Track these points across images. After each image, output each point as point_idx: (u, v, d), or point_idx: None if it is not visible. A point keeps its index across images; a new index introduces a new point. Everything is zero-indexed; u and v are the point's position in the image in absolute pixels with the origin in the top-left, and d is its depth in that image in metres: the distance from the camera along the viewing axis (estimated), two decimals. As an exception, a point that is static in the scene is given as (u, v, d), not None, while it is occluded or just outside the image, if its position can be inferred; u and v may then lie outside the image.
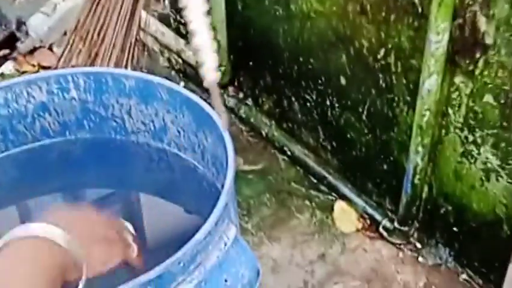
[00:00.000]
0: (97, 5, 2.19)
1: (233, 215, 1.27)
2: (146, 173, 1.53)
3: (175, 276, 1.13)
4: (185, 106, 1.41)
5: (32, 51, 2.77)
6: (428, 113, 1.73)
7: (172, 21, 2.57)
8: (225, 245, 1.21)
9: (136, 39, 2.17)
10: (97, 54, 2.17)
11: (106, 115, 1.48)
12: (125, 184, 1.52)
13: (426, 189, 1.94)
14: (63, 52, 2.36)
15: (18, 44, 2.77)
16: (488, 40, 1.56)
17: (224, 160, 1.29)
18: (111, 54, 2.13)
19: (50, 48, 2.77)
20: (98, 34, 2.18)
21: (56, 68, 2.40)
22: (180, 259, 1.12)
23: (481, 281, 1.95)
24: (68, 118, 1.48)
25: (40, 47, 2.78)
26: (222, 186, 1.23)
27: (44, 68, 2.70)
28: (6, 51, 2.76)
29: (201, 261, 1.17)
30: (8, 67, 2.72)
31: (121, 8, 2.16)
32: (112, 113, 1.48)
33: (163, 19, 2.63)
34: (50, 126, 1.48)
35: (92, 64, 2.18)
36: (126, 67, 2.15)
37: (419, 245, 2.05)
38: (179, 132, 1.46)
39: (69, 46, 2.34)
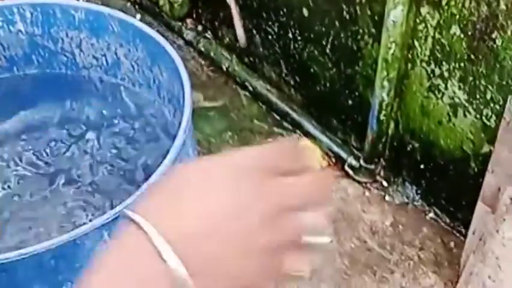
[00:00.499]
0: None
1: (191, 153, 1.29)
2: (99, 109, 1.54)
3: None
4: (139, 39, 1.41)
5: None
6: (393, 45, 1.75)
7: (126, -51, 2.55)
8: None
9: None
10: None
11: (55, 49, 1.48)
12: (77, 121, 1.52)
13: (392, 125, 1.96)
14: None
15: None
16: (456, -31, 1.58)
17: (181, 97, 1.30)
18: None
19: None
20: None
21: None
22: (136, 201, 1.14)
23: (448, 220, 1.99)
24: (15, 53, 1.48)
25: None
26: (180, 124, 1.24)
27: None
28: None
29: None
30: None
31: None
32: (61, 47, 1.48)
33: None
34: (-4, 62, 1.48)
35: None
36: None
37: (385, 184, 2.08)
38: (133, 66, 1.46)
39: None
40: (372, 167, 2.07)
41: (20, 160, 1.46)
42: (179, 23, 2.43)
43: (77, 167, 1.46)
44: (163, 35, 2.43)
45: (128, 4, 2.56)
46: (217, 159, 0.64)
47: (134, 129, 1.52)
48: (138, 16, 2.51)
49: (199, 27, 2.42)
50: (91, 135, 1.50)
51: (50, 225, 1.37)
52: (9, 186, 1.43)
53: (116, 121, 1.51)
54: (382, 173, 2.08)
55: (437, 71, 1.76)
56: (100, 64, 1.48)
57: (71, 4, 1.44)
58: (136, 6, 2.55)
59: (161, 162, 1.19)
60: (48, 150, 1.47)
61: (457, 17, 1.64)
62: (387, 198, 2.06)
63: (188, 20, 2.43)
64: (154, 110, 1.48)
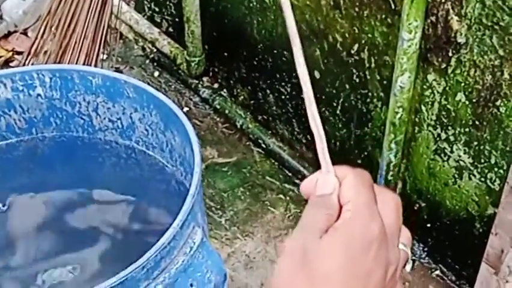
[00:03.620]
0: (69, -7, 2.19)
1: (200, 218, 1.28)
2: (114, 171, 1.54)
3: (138, 281, 1.14)
4: (152, 105, 1.42)
5: (6, 36, 2.76)
6: (401, 110, 1.74)
7: (146, 9, 2.56)
8: (191, 249, 1.22)
9: (107, 28, 2.17)
10: (68, 44, 2.17)
11: (72, 112, 1.49)
12: (93, 182, 1.52)
13: (400, 185, 1.95)
14: (35, 39, 2.35)
15: (-8, 29, 2.75)
16: (461, 39, 1.58)
17: (192, 161, 1.30)
18: (82, 44, 2.13)
19: (25, 33, 2.76)
20: (70, 22, 2.17)
21: (28, 53, 2.39)
22: (143, 264, 1.14)
23: (454, 277, 1.97)
24: (34, 115, 1.49)
25: (15, 31, 2.76)
26: (189, 188, 1.24)
27: (19, 53, 2.68)
28: (-20, 35, 2.75)
29: (165, 266, 1.18)
30: (-18, 52, 2.71)
31: (93, -4, 2.15)
32: (78, 110, 1.49)
33: (138, 6, 2.63)
34: (16, 124, 1.49)
35: (63, 53, 2.17)
36: (97, 57, 2.14)
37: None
38: (147, 130, 1.46)
39: (41, 33, 2.33)
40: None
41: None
42: (196, 81, 2.44)
43: (90, 225, 1.46)
44: (180, 93, 2.47)
45: (147, 61, 2.58)
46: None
47: (146, 189, 1.52)
48: (156, 73, 2.53)
49: (215, 85, 2.43)
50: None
51: None
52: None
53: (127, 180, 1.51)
54: (390, 231, 2.06)
55: (443, 135, 1.75)
56: (115, 127, 1.49)
57: (88, 70, 1.45)
58: (155, 64, 2.56)
59: (170, 225, 1.18)
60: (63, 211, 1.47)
61: (463, 84, 1.63)
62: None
63: (205, 78, 2.44)
64: (166, 172, 1.48)
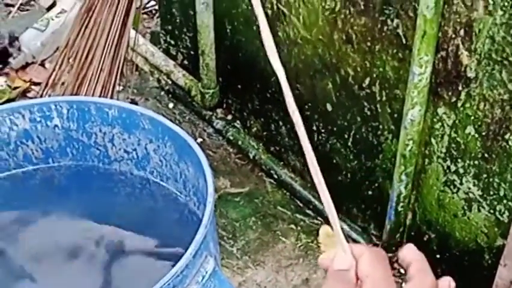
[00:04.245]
0: (86, 26, 2.21)
1: (212, 247, 1.29)
2: (128, 201, 1.55)
3: (151, 310, 1.14)
4: (167, 136, 1.42)
5: (24, 67, 2.79)
6: (411, 142, 1.75)
7: (162, 41, 2.59)
8: (203, 278, 1.22)
9: (124, 60, 2.18)
10: (85, 76, 2.18)
11: (89, 143, 1.49)
12: (107, 212, 1.53)
13: (410, 216, 1.95)
14: (52, 70, 2.37)
15: (11, 60, 2.78)
16: (471, 73, 1.58)
17: (205, 191, 1.30)
18: (99, 76, 2.14)
19: (43, 64, 2.79)
20: (87, 55, 2.19)
21: (46, 84, 2.41)
22: (156, 294, 1.14)
23: (463, 309, 1.96)
24: (51, 145, 1.50)
25: (32, 62, 2.79)
26: (201, 219, 1.25)
27: (36, 84, 2.71)
28: (-2, 66, 2.77)
29: (178, 295, 1.18)
30: (0, 82, 2.73)
31: (109, 29, 2.17)
32: (95, 141, 1.49)
33: (153, 39, 2.65)
34: (33, 153, 1.50)
35: (80, 85, 2.19)
36: (114, 89, 2.16)
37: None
38: (161, 161, 1.47)
39: (59, 64, 2.35)
40: (390, 255, 2.05)
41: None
42: (210, 112, 2.45)
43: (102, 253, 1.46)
44: (194, 124, 2.48)
45: (162, 93, 2.60)
46: None
47: (160, 219, 1.52)
48: (171, 105, 2.54)
49: (229, 117, 2.44)
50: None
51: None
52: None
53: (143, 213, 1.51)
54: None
55: (453, 167, 1.75)
56: (130, 158, 1.49)
57: (105, 102, 1.46)
58: (170, 95, 2.58)
59: (181, 257, 1.19)
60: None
61: (472, 118, 1.64)
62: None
63: (219, 110, 2.46)
64: (180, 202, 1.48)
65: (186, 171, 1.43)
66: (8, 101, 2.57)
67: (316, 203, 2.20)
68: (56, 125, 1.46)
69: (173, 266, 1.19)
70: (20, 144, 1.48)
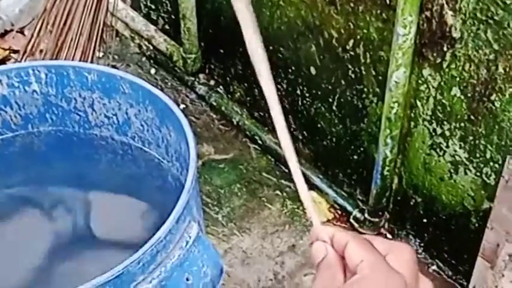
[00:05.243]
0: (65, -9, 2.18)
1: (195, 213, 1.28)
2: (110, 167, 1.54)
3: (134, 276, 1.14)
4: (148, 100, 1.41)
5: (3, 35, 2.75)
6: (396, 105, 1.74)
7: (142, 6, 2.56)
8: (187, 243, 1.22)
9: (103, 25, 2.16)
10: (64, 41, 2.16)
11: (68, 108, 1.49)
12: (89, 178, 1.52)
13: (396, 180, 1.95)
14: (31, 37, 2.35)
15: (-12, 28, 2.75)
16: (455, 33, 1.58)
17: (187, 156, 1.30)
18: (78, 41, 2.13)
19: (22, 32, 2.76)
20: (66, 20, 2.17)
21: (24, 52, 2.39)
22: (139, 259, 1.14)
23: (450, 272, 1.97)
24: (30, 111, 1.49)
25: (11, 30, 2.76)
26: (183, 184, 1.24)
27: (15, 51, 2.68)
28: (-24, 35, 2.74)
29: (161, 261, 1.18)
30: (-22, 51, 2.71)
31: (88, -6, 2.15)
32: (74, 106, 1.48)
33: (134, 4, 2.63)
34: (11, 120, 1.49)
35: (59, 51, 2.17)
36: (93, 54, 2.14)
37: (389, 236, 2.07)
38: (142, 126, 1.46)
39: (37, 31, 2.33)
40: (377, 220, 2.06)
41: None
42: (192, 78, 2.44)
43: (85, 220, 1.46)
44: (176, 90, 2.47)
45: (144, 59, 2.58)
46: None
47: (142, 184, 1.52)
48: (153, 70, 2.53)
49: (212, 82, 2.43)
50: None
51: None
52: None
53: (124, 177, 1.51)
54: (386, 226, 2.07)
55: (439, 130, 1.75)
56: (111, 123, 1.48)
57: (84, 66, 1.45)
58: (151, 61, 2.56)
59: (164, 222, 1.18)
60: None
61: (457, 79, 1.63)
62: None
63: (201, 75, 2.44)
64: (162, 168, 1.48)
65: (168, 136, 1.42)
66: (-13, 69, 2.54)
67: (302, 169, 2.18)
68: (34, 90, 1.45)
69: (156, 232, 1.19)
70: (-2, 111, 1.47)
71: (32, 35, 2.30)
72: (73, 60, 2.11)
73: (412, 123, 1.80)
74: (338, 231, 0.76)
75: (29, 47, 2.32)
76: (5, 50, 2.73)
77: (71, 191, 1.51)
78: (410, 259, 0.74)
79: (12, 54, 2.70)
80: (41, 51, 2.33)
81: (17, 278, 1.37)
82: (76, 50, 2.12)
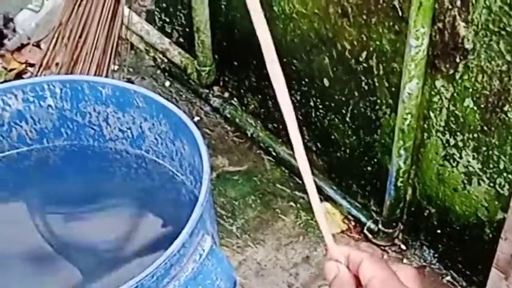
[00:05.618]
0: (79, 4, 2.20)
1: (209, 226, 1.28)
2: (124, 181, 1.54)
3: (148, 289, 1.14)
4: (162, 114, 1.42)
5: (19, 49, 2.77)
6: (409, 116, 1.74)
7: (156, 19, 2.58)
8: (200, 256, 1.22)
9: (118, 39, 2.17)
10: (79, 55, 2.18)
11: (83, 122, 1.49)
12: (103, 191, 1.53)
13: (409, 191, 1.95)
14: (46, 51, 2.36)
15: (6, 41, 2.77)
16: (468, 45, 1.58)
17: (201, 169, 1.30)
18: (93, 54, 2.14)
19: (38, 45, 2.77)
20: (81, 34, 2.18)
21: (40, 65, 2.40)
22: (153, 272, 1.14)
23: (464, 283, 1.97)
24: (45, 126, 1.49)
25: (28, 44, 2.78)
26: (197, 198, 1.24)
27: (32, 65, 2.70)
28: (-7, 48, 2.76)
29: (175, 274, 1.18)
30: (-5, 64, 2.73)
31: (102, 7, 2.16)
32: (89, 121, 1.49)
33: (148, 17, 2.64)
34: (27, 134, 1.49)
35: (74, 65, 2.18)
36: (108, 67, 2.15)
37: (403, 247, 2.06)
38: (157, 139, 1.47)
39: (52, 44, 2.34)
40: (391, 230, 2.06)
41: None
42: (207, 90, 2.44)
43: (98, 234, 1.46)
44: (190, 102, 2.48)
45: (158, 71, 2.59)
46: None
47: (156, 198, 1.52)
48: (167, 83, 2.54)
49: (226, 94, 2.44)
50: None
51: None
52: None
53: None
54: (400, 237, 2.07)
55: (452, 141, 1.75)
56: (125, 137, 1.49)
57: (98, 81, 1.45)
58: (166, 74, 2.57)
59: (177, 235, 1.18)
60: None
61: (470, 90, 1.63)
62: (405, 261, 2.04)
63: (215, 88, 2.45)
64: (176, 181, 1.48)
65: (182, 150, 1.43)
66: (4, 83, 2.56)
67: (315, 180, 2.18)
68: (49, 105, 1.46)
69: (170, 246, 1.19)
70: (14, 125, 1.47)
71: (48, 49, 2.31)
72: (88, 73, 2.12)
73: (425, 134, 1.80)
74: (353, 250, 0.80)
75: (45, 60, 2.33)
76: (21, 63, 2.75)
77: (85, 205, 1.51)
78: (416, 276, 0.77)
79: (28, 68, 2.72)
80: (56, 64, 2.34)
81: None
82: (91, 63, 2.13)
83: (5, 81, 2.59)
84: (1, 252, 1.42)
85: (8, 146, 1.49)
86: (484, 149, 1.68)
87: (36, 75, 2.31)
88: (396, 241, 2.07)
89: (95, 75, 2.12)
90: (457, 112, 1.69)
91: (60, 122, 1.49)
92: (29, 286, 1.39)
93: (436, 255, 2.00)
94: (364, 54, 1.83)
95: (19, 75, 2.66)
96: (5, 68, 2.71)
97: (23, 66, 2.73)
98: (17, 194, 1.52)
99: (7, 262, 1.39)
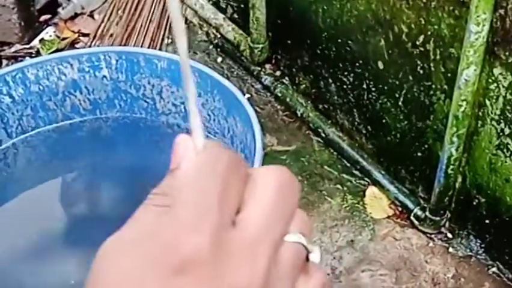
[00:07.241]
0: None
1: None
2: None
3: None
4: (216, 90, 1.41)
5: (73, 18, 2.78)
6: (464, 103, 1.71)
7: (211, -6, 2.56)
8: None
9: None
10: (134, 27, 2.17)
11: (137, 95, 1.49)
12: (152, 165, 1.52)
13: (459, 179, 1.92)
14: (101, 21, 2.37)
15: (60, 10, 2.77)
16: (530, 33, 1.54)
17: (252, 147, 1.29)
18: (148, 27, 2.13)
19: (91, 15, 2.78)
20: (136, 7, 2.18)
21: (94, 36, 2.41)
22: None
23: (510, 275, 1.93)
24: (99, 96, 1.49)
25: (81, 13, 2.78)
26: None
27: (84, 35, 2.70)
28: (48, 16, 2.77)
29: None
30: (49, 33, 2.73)
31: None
32: (143, 93, 1.49)
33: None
34: (80, 104, 1.49)
35: (128, 37, 2.18)
36: (162, 42, 2.15)
37: (450, 236, 2.03)
38: (209, 115, 1.46)
39: (107, 15, 2.35)
40: (438, 218, 2.03)
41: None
42: (259, 68, 2.43)
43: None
44: (242, 79, 2.47)
45: (211, 47, 2.58)
46: None
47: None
48: (219, 59, 2.52)
49: (277, 73, 2.42)
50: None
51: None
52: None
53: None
54: (447, 225, 2.04)
55: (507, 130, 1.71)
56: (178, 111, 1.48)
57: (154, 54, 1.45)
58: (218, 49, 2.56)
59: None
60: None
61: (529, 80, 1.60)
62: (450, 250, 2.01)
63: (267, 66, 2.43)
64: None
65: (234, 127, 1.42)
66: (57, 51, 2.56)
67: (364, 163, 2.17)
68: (104, 76, 1.46)
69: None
70: (68, 95, 1.47)
71: (103, 20, 2.31)
72: (142, 46, 2.11)
73: (480, 122, 1.77)
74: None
75: (99, 31, 2.34)
76: (74, 32, 2.75)
77: (134, 177, 1.51)
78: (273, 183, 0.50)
79: (81, 38, 2.72)
80: (110, 35, 2.34)
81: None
82: (145, 36, 2.12)
83: (58, 50, 2.59)
84: (50, 218, 1.43)
85: (61, 115, 1.49)
86: (540, 140, 1.65)
87: (89, 46, 2.31)
88: (442, 229, 2.04)
89: (148, 48, 2.11)
90: (514, 101, 1.66)
91: (114, 93, 1.49)
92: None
93: (483, 245, 1.97)
94: (421, 38, 1.80)
95: (72, 45, 2.66)
96: (58, 37, 2.71)
97: (76, 35, 2.74)
98: (69, 164, 1.52)
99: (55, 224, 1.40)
